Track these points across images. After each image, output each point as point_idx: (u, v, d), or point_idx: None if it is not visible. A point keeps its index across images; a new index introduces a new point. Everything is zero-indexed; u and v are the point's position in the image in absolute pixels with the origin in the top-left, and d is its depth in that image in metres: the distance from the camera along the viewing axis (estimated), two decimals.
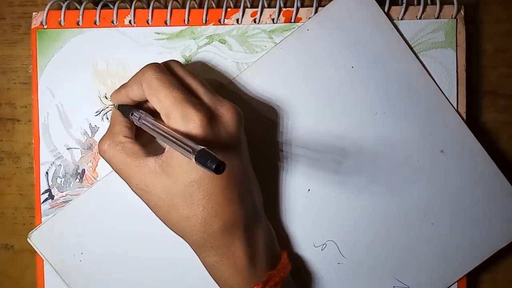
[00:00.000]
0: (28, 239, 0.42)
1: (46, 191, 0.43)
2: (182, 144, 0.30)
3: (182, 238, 0.36)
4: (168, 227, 0.36)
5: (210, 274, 0.37)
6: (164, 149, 0.35)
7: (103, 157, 0.36)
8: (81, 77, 0.42)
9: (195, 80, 0.36)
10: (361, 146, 0.42)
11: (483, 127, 0.44)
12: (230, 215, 0.34)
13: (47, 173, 0.43)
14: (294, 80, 0.41)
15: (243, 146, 0.37)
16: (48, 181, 0.43)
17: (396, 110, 0.41)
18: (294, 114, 0.41)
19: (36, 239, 0.42)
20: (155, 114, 0.36)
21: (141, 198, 0.36)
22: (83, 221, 0.42)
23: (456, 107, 0.42)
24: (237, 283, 0.35)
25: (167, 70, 0.35)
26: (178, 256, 0.42)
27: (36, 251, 0.42)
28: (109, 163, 0.36)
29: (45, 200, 0.43)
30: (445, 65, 0.42)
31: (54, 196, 0.43)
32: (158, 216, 0.36)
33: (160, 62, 0.36)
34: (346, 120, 0.41)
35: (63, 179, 0.43)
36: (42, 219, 0.42)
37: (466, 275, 0.42)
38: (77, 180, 0.43)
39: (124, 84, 0.37)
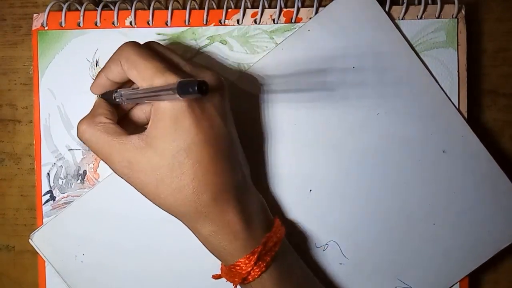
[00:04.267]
0: (29, 240, 0.42)
1: (47, 192, 0.43)
2: (163, 89, 0.30)
3: (174, 214, 0.35)
4: (157, 204, 0.35)
5: (207, 247, 0.36)
6: None
7: (81, 139, 0.35)
8: (82, 78, 0.42)
9: (175, 55, 0.35)
10: (363, 146, 0.42)
11: (484, 127, 0.44)
12: (220, 183, 0.34)
13: (48, 174, 0.43)
14: (295, 80, 0.41)
15: (228, 116, 0.36)
16: (49, 182, 0.43)
17: (398, 110, 0.41)
18: (296, 114, 0.41)
19: (38, 240, 0.42)
20: None
21: (124, 178, 0.35)
22: (85, 222, 0.42)
23: (457, 107, 0.42)
24: (236, 249, 0.35)
25: (143, 45, 0.35)
26: (180, 257, 0.42)
27: (37, 252, 0.42)
28: (87, 144, 0.35)
29: (47, 201, 0.43)
30: (447, 65, 0.42)
31: (55, 197, 0.43)
32: (145, 195, 0.35)
33: None
34: (347, 120, 0.41)
35: (64, 180, 0.43)
36: (44, 220, 0.42)
37: (468, 275, 0.42)
38: (79, 181, 0.43)
39: (102, 68, 0.36)
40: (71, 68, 0.42)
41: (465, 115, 0.42)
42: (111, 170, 0.35)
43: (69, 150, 0.43)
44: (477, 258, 0.42)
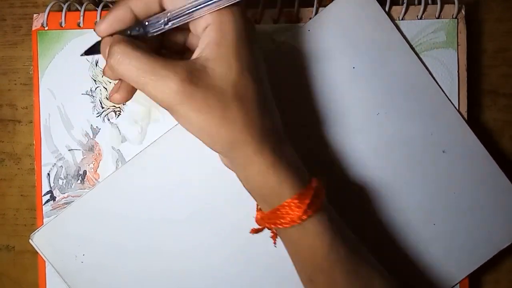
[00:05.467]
0: (30, 241, 0.42)
1: (47, 193, 0.43)
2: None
3: (222, 151, 0.33)
4: (207, 139, 0.32)
5: (252, 188, 0.34)
6: None
7: (117, 71, 0.31)
8: (82, 78, 0.42)
9: None
10: (363, 146, 0.42)
11: (484, 127, 0.44)
12: (271, 122, 0.33)
13: (48, 174, 0.43)
14: (296, 81, 0.41)
15: (259, 57, 0.34)
16: (49, 182, 0.43)
17: (398, 110, 0.41)
18: (296, 114, 0.41)
19: (38, 240, 0.42)
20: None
21: (185, 101, 0.30)
22: (85, 222, 0.42)
23: (457, 107, 0.42)
24: (285, 189, 0.33)
25: None
26: (180, 257, 0.42)
27: (37, 252, 0.42)
28: (127, 75, 0.31)
29: (47, 201, 0.43)
30: (447, 65, 0.42)
31: (55, 197, 0.43)
32: (198, 125, 0.31)
33: None
34: (348, 120, 0.41)
35: (64, 181, 0.43)
36: (44, 220, 0.42)
37: (468, 276, 0.42)
38: (79, 181, 0.43)
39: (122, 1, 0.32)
40: (71, 68, 0.42)
41: (465, 115, 0.42)
42: (164, 101, 0.30)
43: (69, 150, 0.43)
44: (477, 259, 0.42)
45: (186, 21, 0.31)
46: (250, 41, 0.32)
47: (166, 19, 0.31)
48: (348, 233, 0.37)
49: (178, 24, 0.31)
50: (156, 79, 0.30)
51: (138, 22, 0.32)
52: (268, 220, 0.34)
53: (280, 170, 0.33)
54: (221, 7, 0.30)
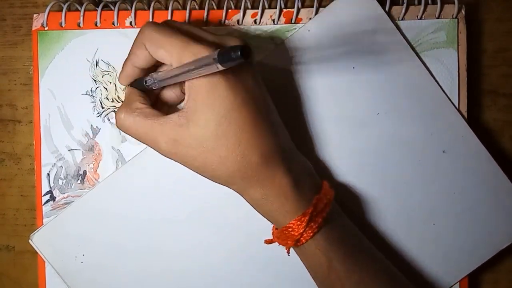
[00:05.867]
0: (29, 241, 0.42)
1: (47, 193, 0.43)
2: (201, 61, 0.30)
3: (225, 183, 0.36)
4: (208, 177, 0.35)
5: (260, 211, 0.36)
6: None
7: (121, 129, 0.36)
8: (82, 78, 0.42)
9: (195, 27, 0.36)
10: (363, 147, 0.42)
11: (484, 127, 0.44)
12: (266, 145, 0.34)
13: (48, 174, 0.43)
14: (296, 81, 0.41)
15: (260, 80, 0.36)
16: (49, 182, 0.43)
17: (398, 110, 0.41)
18: (296, 114, 0.41)
19: (38, 240, 0.42)
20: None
21: (172, 157, 0.35)
22: (85, 222, 0.42)
23: (457, 107, 0.42)
24: (288, 211, 0.35)
25: (163, 24, 0.35)
26: (180, 257, 0.42)
27: (37, 253, 0.42)
28: (129, 132, 0.36)
29: (47, 201, 0.43)
30: (447, 65, 0.42)
31: (55, 197, 0.43)
32: (195, 169, 0.35)
33: None
34: (348, 120, 0.41)
35: (64, 181, 0.43)
36: (44, 220, 0.42)
37: (467, 275, 0.42)
38: (79, 181, 0.43)
39: (127, 57, 0.36)
40: (71, 68, 0.42)
41: (465, 115, 0.42)
42: (159, 153, 0.35)
43: (69, 150, 0.43)
44: (477, 258, 0.42)
45: (172, 83, 0.35)
46: (230, 82, 0.33)
47: (154, 80, 0.35)
48: (357, 244, 0.38)
49: (166, 84, 0.35)
50: (149, 141, 0.35)
51: (148, 71, 0.37)
52: (277, 238, 0.37)
53: (284, 191, 0.35)
54: (199, 76, 0.32)
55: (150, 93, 0.38)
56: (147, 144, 0.36)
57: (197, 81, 0.33)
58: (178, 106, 0.40)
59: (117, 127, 0.36)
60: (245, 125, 0.33)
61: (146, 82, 0.36)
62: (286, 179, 0.35)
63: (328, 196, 0.36)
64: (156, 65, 0.37)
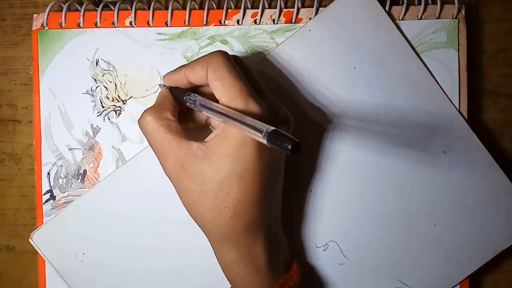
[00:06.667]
0: (29, 240, 0.42)
1: (47, 192, 0.43)
2: (252, 124, 0.30)
3: (204, 231, 0.36)
4: (192, 215, 0.35)
5: (224, 271, 0.36)
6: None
7: (142, 129, 0.35)
8: (82, 78, 0.42)
9: (256, 77, 0.36)
10: (363, 147, 0.41)
11: (484, 127, 0.44)
12: (258, 214, 0.34)
13: (48, 173, 0.43)
14: (296, 81, 0.41)
15: (283, 155, 0.37)
16: (49, 181, 0.43)
17: (399, 110, 0.41)
18: (296, 114, 0.41)
19: (38, 239, 0.42)
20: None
21: (172, 179, 0.35)
22: (85, 221, 0.42)
23: (458, 107, 0.42)
24: (253, 283, 0.35)
25: (234, 61, 0.35)
26: (180, 257, 0.42)
27: (37, 252, 0.42)
28: (147, 136, 0.35)
29: (47, 200, 0.43)
30: (447, 65, 0.42)
31: (55, 196, 0.43)
32: (185, 202, 0.35)
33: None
34: (348, 120, 0.41)
35: (64, 180, 0.43)
36: (44, 219, 0.42)
37: (468, 277, 0.42)
38: (79, 180, 0.43)
39: (185, 65, 0.36)
40: (72, 67, 0.42)
41: (466, 115, 0.42)
42: (162, 167, 0.35)
43: (69, 149, 0.43)
44: (477, 259, 0.42)
45: (208, 115, 0.34)
46: (259, 147, 0.33)
47: (195, 102, 0.35)
48: None
49: (202, 112, 0.35)
50: (160, 153, 0.35)
51: (192, 88, 0.37)
52: None
53: (256, 263, 0.35)
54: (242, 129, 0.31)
55: (181, 105, 0.37)
56: (155, 153, 0.35)
57: (233, 129, 0.32)
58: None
59: (139, 124, 0.35)
60: (251, 190, 0.33)
61: (186, 97, 0.35)
62: (263, 252, 0.35)
63: (294, 279, 0.37)
64: (201, 87, 0.37)
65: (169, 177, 0.35)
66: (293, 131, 0.37)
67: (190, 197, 0.34)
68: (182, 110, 0.37)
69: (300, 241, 0.42)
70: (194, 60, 0.35)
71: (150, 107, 0.35)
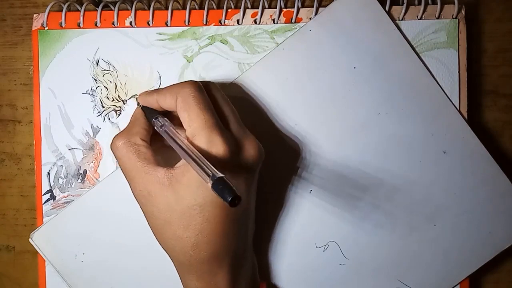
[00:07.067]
0: (29, 240, 0.42)
1: (47, 192, 0.43)
2: (202, 165, 0.30)
3: (169, 255, 0.36)
4: (157, 239, 0.36)
5: None
6: (175, 162, 0.34)
7: (113, 153, 0.36)
8: (83, 78, 0.42)
9: (228, 107, 0.36)
10: (363, 147, 0.41)
11: (484, 127, 0.44)
12: (221, 245, 0.34)
13: (48, 173, 0.43)
14: (296, 81, 0.41)
15: (255, 183, 0.37)
16: (49, 181, 0.43)
17: (399, 110, 0.41)
18: (297, 114, 0.41)
19: (38, 239, 0.42)
20: (174, 123, 0.36)
21: (140, 204, 0.35)
22: (85, 221, 0.42)
23: (458, 107, 0.42)
24: None
25: (205, 91, 0.35)
26: None
27: (37, 252, 0.42)
28: (118, 160, 0.36)
29: (47, 200, 0.43)
30: (447, 65, 0.42)
31: (55, 196, 0.43)
32: (151, 227, 0.36)
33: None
34: (348, 120, 0.41)
35: (64, 180, 0.43)
36: (44, 219, 0.42)
37: (468, 277, 0.42)
38: (79, 180, 0.43)
39: (158, 90, 0.36)
40: (72, 67, 0.42)
41: (466, 115, 0.42)
42: (131, 191, 0.36)
43: (69, 149, 0.43)
44: (477, 260, 0.42)
45: (170, 143, 0.35)
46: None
47: (163, 128, 0.35)
48: None
49: (166, 140, 0.35)
50: (129, 178, 0.35)
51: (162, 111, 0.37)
52: None
53: None
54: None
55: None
56: (125, 178, 0.36)
57: None
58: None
59: (111, 149, 0.36)
60: (213, 222, 0.33)
61: (154, 120, 0.36)
62: (225, 282, 0.35)
63: None
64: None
65: (137, 202, 0.36)
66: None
67: (155, 223, 0.35)
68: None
69: (300, 241, 0.42)
70: (166, 88, 0.36)
71: (120, 132, 0.36)
